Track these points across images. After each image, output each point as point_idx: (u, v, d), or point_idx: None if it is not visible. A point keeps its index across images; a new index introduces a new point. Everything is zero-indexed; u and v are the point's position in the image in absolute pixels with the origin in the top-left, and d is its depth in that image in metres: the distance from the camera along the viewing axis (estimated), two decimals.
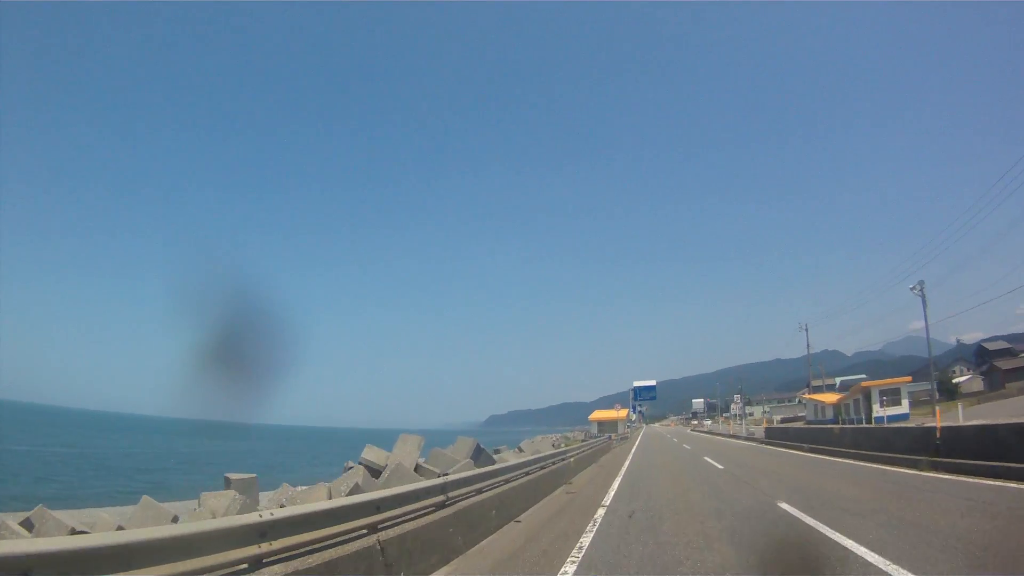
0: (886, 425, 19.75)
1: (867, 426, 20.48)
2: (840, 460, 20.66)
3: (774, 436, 34.86)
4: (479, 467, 23.12)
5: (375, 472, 29.67)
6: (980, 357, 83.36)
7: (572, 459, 23.42)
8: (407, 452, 32.61)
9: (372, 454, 32.06)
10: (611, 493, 15.93)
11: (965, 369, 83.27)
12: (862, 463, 19.01)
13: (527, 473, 17.00)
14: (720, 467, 21.67)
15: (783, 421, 74.85)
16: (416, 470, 32.47)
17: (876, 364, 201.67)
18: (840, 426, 27.68)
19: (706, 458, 26.39)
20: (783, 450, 28.60)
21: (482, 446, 38.60)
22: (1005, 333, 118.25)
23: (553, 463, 20.96)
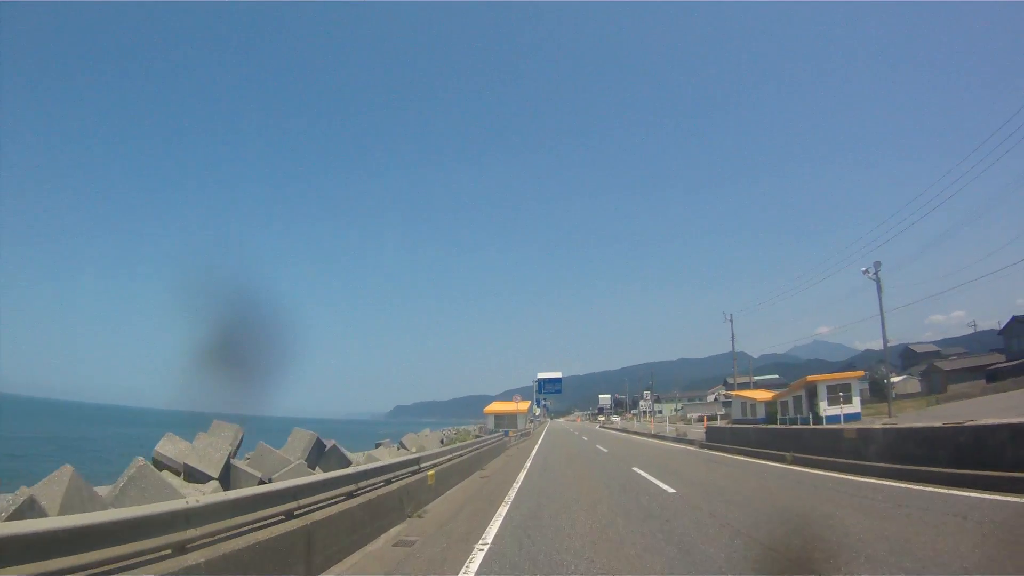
0: (997, 422, 10.86)
1: (940, 426, 11.80)
2: (892, 485, 11.65)
3: (721, 439, 26.10)
4: (324, 471, 14.45)
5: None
6: (907, 359, 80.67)
7: (429, 471, 13.70)
8: (215, 447, 22.44)
9: (171, 447, 22.44)
10: (478, 555, 7.36)
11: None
12: (963, 492, 10.08)
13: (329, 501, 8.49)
14: (670, 490, 12.57)
15: (700, 420, 68.15)
16: (230, 474, 22.55)
17: (784, 367, 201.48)
18: (860, 427, 18.94)
19: (637, 470, 17.36)
20: (749, 460, 19.62)
21: (325, 441, 27.99)
22: (913, 340, 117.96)
23: (387, 482, 11.25)
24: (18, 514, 10.13)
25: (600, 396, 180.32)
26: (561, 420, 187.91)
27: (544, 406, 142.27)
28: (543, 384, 63.05)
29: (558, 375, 64.09)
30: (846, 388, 36.42)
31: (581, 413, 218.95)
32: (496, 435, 36.95)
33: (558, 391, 64.30)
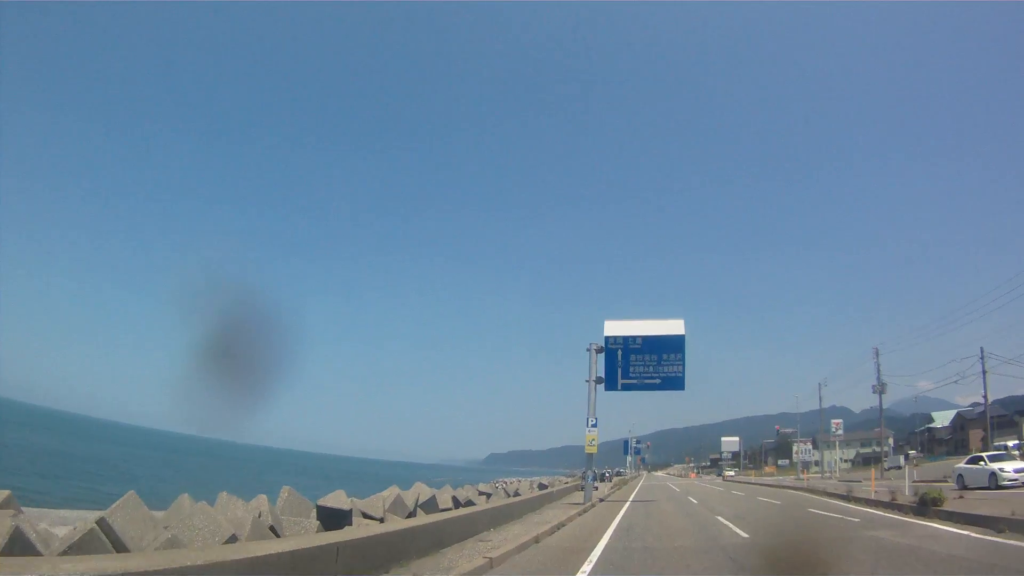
0: None
1: None
2: None
3: None
4: None
5: None
6: None
7: None
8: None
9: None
10: None
11: None
12: None
13: None
14: None
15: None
16: None
17: (887, 421, 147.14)
18: None
19: None
20: None
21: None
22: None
23: None
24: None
25: (723, 439, 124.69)
26: (661, 474, 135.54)
27: (638, 453, 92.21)
28: (621, 348, 17.09)
29: (678, 329, 17.76)
30: None
31: (691, 465, 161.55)
32: None
33: (677, 378, 18.13)
